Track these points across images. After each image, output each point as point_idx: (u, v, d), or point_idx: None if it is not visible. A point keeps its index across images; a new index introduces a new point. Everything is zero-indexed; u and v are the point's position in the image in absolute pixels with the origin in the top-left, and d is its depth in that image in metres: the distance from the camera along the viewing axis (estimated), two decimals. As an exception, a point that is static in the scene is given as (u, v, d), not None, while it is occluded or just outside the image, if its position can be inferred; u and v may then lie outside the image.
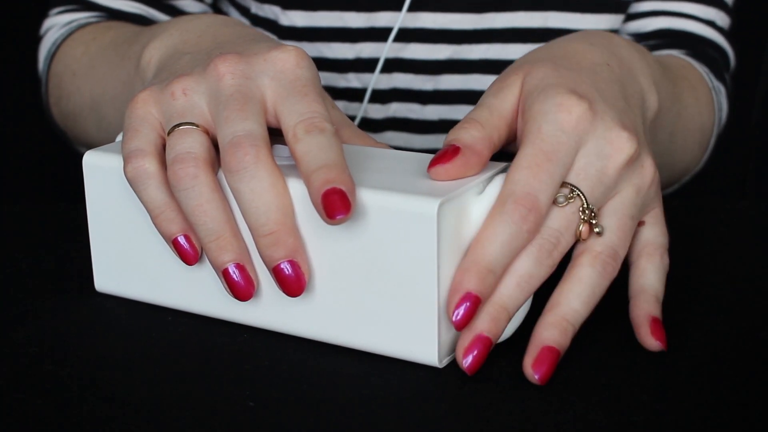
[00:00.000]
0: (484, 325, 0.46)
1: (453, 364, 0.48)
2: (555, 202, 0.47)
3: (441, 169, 0.48)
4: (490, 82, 0.84)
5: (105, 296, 0.56)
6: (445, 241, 0.46)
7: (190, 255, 0.50)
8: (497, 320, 0.46)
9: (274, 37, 0.85)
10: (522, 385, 0.47)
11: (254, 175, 0.47)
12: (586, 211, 0.48)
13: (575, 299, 0.47)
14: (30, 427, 0.44)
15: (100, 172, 0.54)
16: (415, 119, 0.86)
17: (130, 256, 0.55)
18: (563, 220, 0.47)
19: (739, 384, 0.47)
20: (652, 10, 0.85)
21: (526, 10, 0.82)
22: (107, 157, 0.54)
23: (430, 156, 0.52)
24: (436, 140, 0.86)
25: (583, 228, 0.48)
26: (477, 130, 0.49)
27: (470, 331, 0.46)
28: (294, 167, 0.49)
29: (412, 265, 0.46)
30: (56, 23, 0.84)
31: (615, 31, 0.85)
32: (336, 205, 0.45)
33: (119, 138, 0.56)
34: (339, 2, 0.82)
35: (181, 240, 0.50)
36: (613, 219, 0.49)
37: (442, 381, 0.47)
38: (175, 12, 0.85)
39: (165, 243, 0.52)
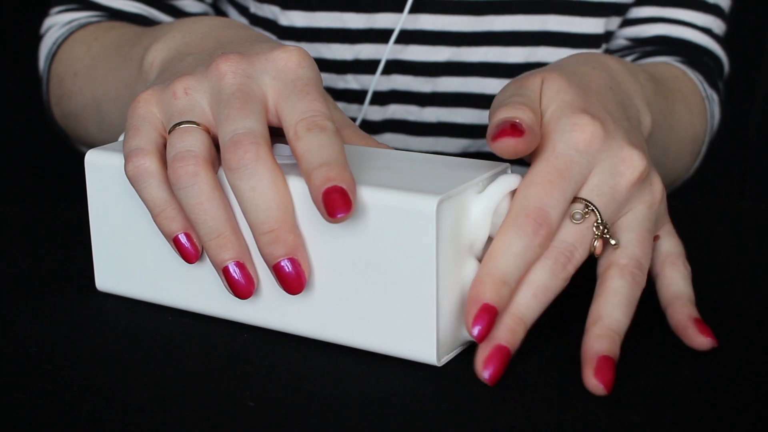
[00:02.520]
0: (502, 335, 0.47)
1: (452, 363, 0.48)
2: (571, 217, 0.48)
3: (511, 142, 0.47)
4: (489, 85, 0.85)
5: (105, 296, 0.56)
6: (444, 240, 0.46)
7: (191, 253, 0.51)
8: (515, 331, 0.47)
9: (275, 38, 0.85)
10: (522, 385, 0.47)
11: (254, 173, 0.47)
12: (600, 227, 0.48)
13: (615, 309, 0.48)
14: (30, 427, 0.44)
15: (102, 171, 0.54)
16: (413, 121, 0.86)
17: (131, 255, 0.55)
18: (578, 234, 0.48)
19: (740, 384, 0.47)
20: (651, 17, 0.85)
21: (526, 13, 0.82)
22: (109, 156, 0.54)
23: (430, 155, 0.52)
24: (434, 142, 0.86)
25: (598, 243, 0.49)
26: (533, 114, 0.49)
27: (489, 342, 0.47)
28: (295, 166, 0.49)
29: (411, 263, 0.46)
30: (57, 22, 0.85)
31: (611, 33, 0.86)
32: (337, 204, 0.45)
33: (122, 137, 0.56)
34: (338, 3, 0.82)
35: (182, 238, 0.50)
36: (632, 234, 0.50)
37: (442, 381, 0.47)
38: (176, 12, 0.85)
39: (166, 242, 0.52)
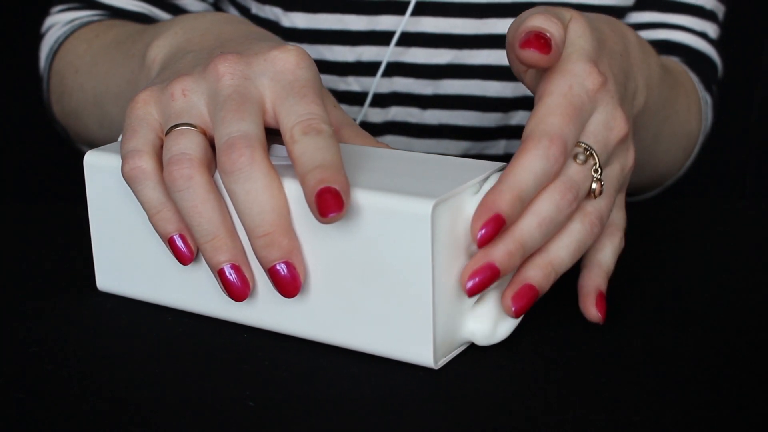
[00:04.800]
0: (498, 255, 0.47)
1: (452, 363, 0.48)
2: (574, 158, 0.49)
3: (536, 56, 0.49)
4: (491, 88, 0.85)
5: (105, 296, 0.56)
6: (440, 242, 0.46)
7: (185, 255, 0.51)
8: (512, 255, 0.47)
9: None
10: (522, 385, 0.47)
11: (249, 177, 0.47)
12: (598, 170, 0.50)
13: (563, 249, 0.49)
14: (30, 427, 0.44)
15: (101, 171, 0.54)
16: (414, 123, 0.86)
17: (131, 255, 0.55)
18: (581, 174, 0.49)
19: (739, 384, 0.47)
20: (652, 22, 0.86)
21: None
22: (108, 156, 0.54)
23: (428, 155, 0.52)
24: (435, 145, 0.86)
25: (596, 186, 0.50)
26: (563, 33, 0.50)
27: (483, 257, 0.47)
28: (292, 167, 0.49)
29: (407, 265, 0.46)
30: (58, 21, 0.85)
31: None
32: (329, 204, 0.45)
33: (121, 137, 0.56)
34: (340, 5, 0.82)
35: (177, 240, 0.50)
36: (603, 188, 0.51)
37: (442, 381, 0.47)
38: (178, 11, 0.85)
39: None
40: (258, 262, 0.49)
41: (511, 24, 0.52)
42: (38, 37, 0.87)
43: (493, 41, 0.82)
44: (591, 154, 0.49)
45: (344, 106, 0.86)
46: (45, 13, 0.86)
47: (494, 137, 0.87)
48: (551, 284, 0.49)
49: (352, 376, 0.48)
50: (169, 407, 0.45)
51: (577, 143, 0.49)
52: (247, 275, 0.50)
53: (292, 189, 0.48)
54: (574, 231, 0.50)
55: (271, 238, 0.47)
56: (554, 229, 0.48)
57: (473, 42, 0.83)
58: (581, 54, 0.51)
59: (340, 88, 0.85)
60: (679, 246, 0.63)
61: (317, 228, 0.48)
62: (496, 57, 0.83)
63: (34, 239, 0.65)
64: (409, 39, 0.82)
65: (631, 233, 0.56)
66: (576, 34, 0.52)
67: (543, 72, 0.51)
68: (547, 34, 0.49)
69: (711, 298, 0.56)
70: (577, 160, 0.49)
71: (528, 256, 0.48)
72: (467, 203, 0.48)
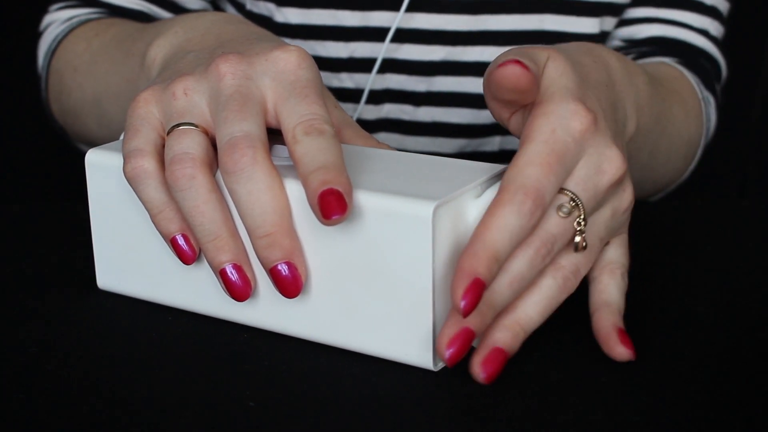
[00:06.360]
0: (472, 319, 0.45)
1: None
2: (558, 209, 0.47)
3: (518, 69, 0.46)
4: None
5: (106, 295, 0.56)
6: (441, 244, 0.46)
7: (188, 255, 0.51)
8: (485, 316, 0.46)
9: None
10: (522, 385, 0.47)
11: (251, 177, 0.47)
12: (582, 223, 0.47)
13: (531, 307, 0.48)
14: (30, 427, 0.44)
15: (103, 170, 0.54)
16: (407, 120, 0.86)
17: (132, 254, 0.55)
18: (562, 227, 0.47)
19: (739, 384, 0.47)
20: (647, 17, 0.85)
21: (522, 13, 0.82)
22: (109, 155, 0.54)
23: (429, 157, 0.52)
24: (429, 142, 0.86)
25: (579, 239, 0.48)
26: (538, 70, 0.48)
27: (457, 324, 0.45)
28: (293, 168, 0.49)
29: (408, 267, 0.46)
30: (57, 19, 0.84)
31: (607, 34, 0.85)
32: (332, 206, 0.45)
33: (122, 136, 0.56)
34: (334, 0, 0.82)
35: (180, 240, 0.50)
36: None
37: (442, 381, 0.47)
38: (176, 9, 0.85)
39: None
40: (259, 263, 0.49)
41: (486, 69, 0.50)
42: (37, 35, 0.87)
43: (487, 38, 0.82)
44: (576, 204, 0.47)
45: (337, 103, 0.85)
46: (44, 11, 0.86)
47: (488, 134, 0.86)
48: (521, 344, 0.47)
49: (352, 376, 0.48)
50: (169, 407, 0.45)
51: (564, 191, 0.47)
52: (249, 275, 0.50)
53: (294, 189, 0.48)
54: (545, 287, 0.48)
55: (273, 238, 0.47)
56: (525, 286, 0.47)
57: (467, 38, 0.82)
58: (564, 93, 0.49)
59: (333, 84, 0.85)
60: (680, 246, 0.63)
61: (318, 229, 0.48)
62: (490, 53, 0.83)
63: (34, 239, 0.65)
64: (402, 35, 0.82)
65: (631, 234, 0.56)
66: (557, 73, 0.49)
67: (527, 115, 0.49)
68: (524, 61, 0.47)
69: (711, 298, 0.56)
70: (560, 213, 0.47)
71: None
72: (468, 206, 0.48)
